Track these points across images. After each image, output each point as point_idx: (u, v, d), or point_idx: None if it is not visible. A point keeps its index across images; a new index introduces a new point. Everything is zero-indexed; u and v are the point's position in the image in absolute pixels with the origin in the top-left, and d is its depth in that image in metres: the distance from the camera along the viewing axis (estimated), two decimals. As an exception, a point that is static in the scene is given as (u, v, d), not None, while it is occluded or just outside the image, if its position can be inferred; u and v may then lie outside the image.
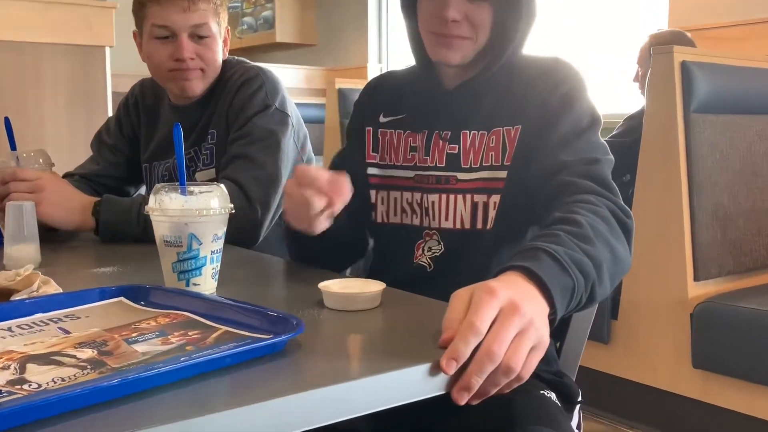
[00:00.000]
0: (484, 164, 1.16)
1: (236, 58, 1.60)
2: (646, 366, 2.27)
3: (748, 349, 2.00)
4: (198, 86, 1.51)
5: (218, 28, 1.51)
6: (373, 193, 1.26)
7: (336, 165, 1.31)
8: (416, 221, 1.22)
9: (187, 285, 0.92)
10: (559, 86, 1.14)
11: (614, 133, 2.75)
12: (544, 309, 0.78)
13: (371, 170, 1.26)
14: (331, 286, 0.87)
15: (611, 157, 1.13)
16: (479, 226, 1.16)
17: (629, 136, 2.56)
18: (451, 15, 1.11)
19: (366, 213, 1.26)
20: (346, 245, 1.26)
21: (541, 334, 0.72)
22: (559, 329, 1.24)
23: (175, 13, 1.44)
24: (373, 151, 1.27)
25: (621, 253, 0.98)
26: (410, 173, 1.23)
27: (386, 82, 1.33)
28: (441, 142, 1.19)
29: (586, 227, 0.93)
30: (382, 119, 1.28)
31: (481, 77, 1.18)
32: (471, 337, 0.67)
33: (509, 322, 0.69)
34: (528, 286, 0.78)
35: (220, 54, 1.53)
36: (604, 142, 1.14)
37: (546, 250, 0.83)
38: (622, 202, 1.06)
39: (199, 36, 1.47)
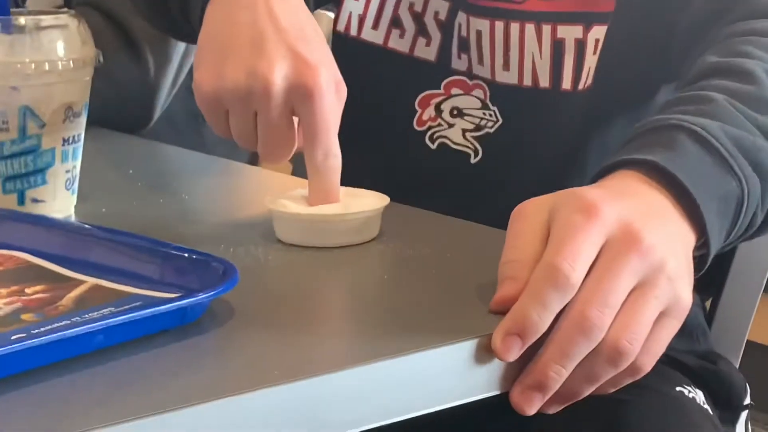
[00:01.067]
0: None
1: None
2: None
3: None
4: None
5: None
6: None
7: None
8: (429, 53, 1.23)
9: (22, 202, 0.93)
10: None
11: None
12: (686, 239, 0.78)
13: None
14: (289, 203, 0.88)
15: None
16: (566, 84, 1.16)
17: None
18: None
19: None
20: None
21: (677, 287, 0.73)
22: (712, 276, 1.25)
23: None
24: None
25: None
26: None
27: None
28: None
29: (763, 82, 0.92)
30: None
31: None
32: (551, 292, 0.68)
33: (621, 266, 0.69)
34: (657, 196, 0.78)
35: None
36: None
37: (690, 128, 0.83)
38: None
39: None
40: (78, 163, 0.96)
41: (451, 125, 1.21)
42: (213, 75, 0.88)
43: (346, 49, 1.24)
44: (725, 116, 0.85)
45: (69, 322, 0.65)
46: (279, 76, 0.85)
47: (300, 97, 0.86)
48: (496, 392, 0.68)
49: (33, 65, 0.90)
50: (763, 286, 1.25)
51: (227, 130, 0.92)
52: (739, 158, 0.82)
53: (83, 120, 0.96)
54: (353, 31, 1.24)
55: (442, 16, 1.21)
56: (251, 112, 0.88)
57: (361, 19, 1.24)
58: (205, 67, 0.90)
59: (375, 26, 1.24)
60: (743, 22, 1.01)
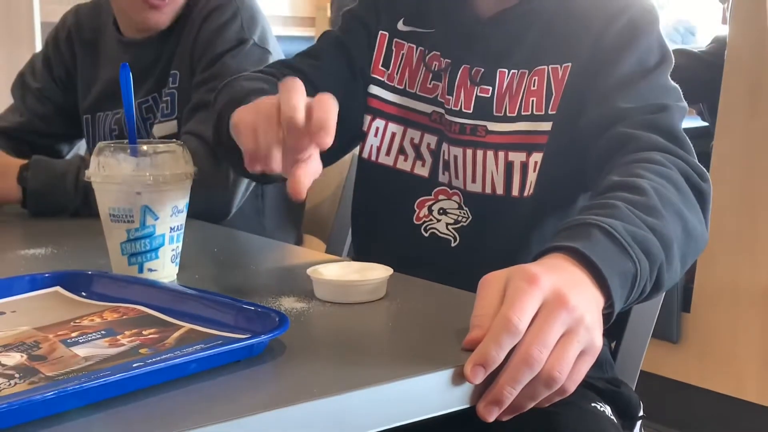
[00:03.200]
0: (523, 113, 1.16)
1: None
2: (727, 372, 2.28)
3: None
4: (167, 19, 1.52)
5: None
6: (367, 119, 1.26)
7: (324, 50, 1.28)
8: (422, 170, 1.23)
9: (141, 271, 0.93)
10: (620, 15, 1.13)
11: (703, 48, 2.71)
12: (597, 301, 0.78)
13: (374, 89, 1.26)
14: (324, 271, 0.88)
15: (684, 104, 1.12)
16: (515, 192, 1.16)
17: (718, 58, 2.49)
18: None
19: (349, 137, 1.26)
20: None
21: (592, 334, 0.73)
22: (615, 325, 1.24)
23: None
24: (382, 65, 1.26)
25: (695, 227, 0.97)
26: (427, 108, 1.23)
27: None
28: (469, 81, 1.19)
29: (651, 195, 0.92)
30: (401, 27, 1.26)
31: (525, 5, 1.17)
32: (505, 337, 0.68)
33: (553, 318, 0.70)
34: (578, 272, 0.78)
35: None
36: (676, 86, 1.14)
37: (600, 225, 0.83)
38: (696, 161, 1.05)
39: None
40: (180, 244, 0.96)
41: (438, 220, 1.21)
42: (251, 111, 0.86)
43: (368, 170, 1.27)
44: (625, 217, 0.85)
45: (172, 354, 0.65)
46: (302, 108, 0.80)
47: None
48: (467, 405, 0.68)
49: (151, 178, 0.91)
50: (650, 334, 1.25)
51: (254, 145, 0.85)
52: (634, 247, 0.82)
53: (184, 214, 0.96)
54: (373, 158, 1.25)
55: (432, 147, 1.22)
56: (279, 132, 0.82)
57: (378, 149, 1.25)
58: (244, 124, 0.85)
59: (387, 153, 1.24)
60: (636, 153, 1.01)
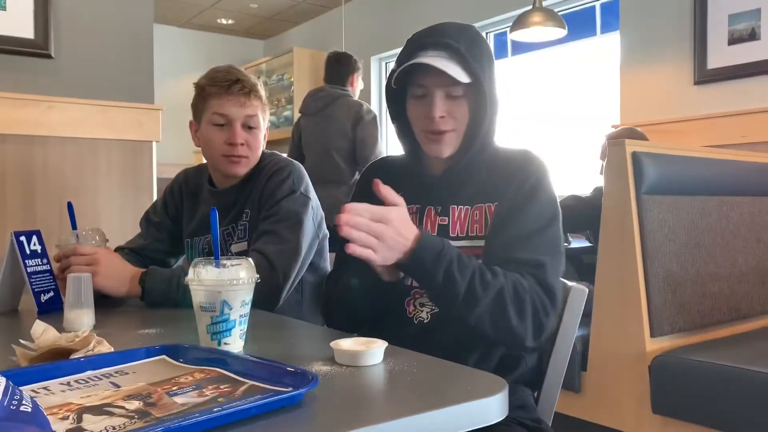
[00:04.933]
0: (469, 234, 1.17)
1: (270, 151, 1.64)
2: (612, 412, 2.23)
3: (699, 396, 1.97)
4: (243, 170, 1.54)
5: (263, 123, 1.55)
6: None
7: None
8: (406, 280, 1.22)
9: (219, 344, 0.92)
10: (528, 177, 1.16)
11: (588, 194, 2.73)
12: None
13: None
14: (341, 344, 0.87)
15: (562, 256, 1.14)
16: None
17: (598, 200, 2.49)
18: (438, 113, 1.15)
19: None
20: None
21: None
22: (536, 381, 1.22)
23: (233, 107, 1.48)
24: None
25: (512, 320, 1.03)
26: None
27: (384, 166, 1.35)
28: (433, 215, 1.21)
29: (496, 279, 1.03)
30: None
31: (462, 164, 1.20)
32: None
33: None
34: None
35: (262, 144, 1.56)
36: (560, 236, 1.15)
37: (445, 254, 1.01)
38: (552, 305, 1.08)
39: (249, 126, 1.51)
40: (246, 326, 0.96)
41: (421, 311, 1.20)
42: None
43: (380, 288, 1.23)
44: (463, 267, 1.02)
45: (240, 402, 0.64)
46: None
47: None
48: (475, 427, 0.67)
49: (229, 282, 0.92)
50: (560, 386, 1.23)
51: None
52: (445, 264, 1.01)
53: (249, 305, 0.96)
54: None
55: None
56: None
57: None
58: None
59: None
60: (518, 274, 1.09)
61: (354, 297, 1.17)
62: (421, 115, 1.19)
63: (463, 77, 1.13)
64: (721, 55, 3.11)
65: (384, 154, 3.14)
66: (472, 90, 1.17)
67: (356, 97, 3.39)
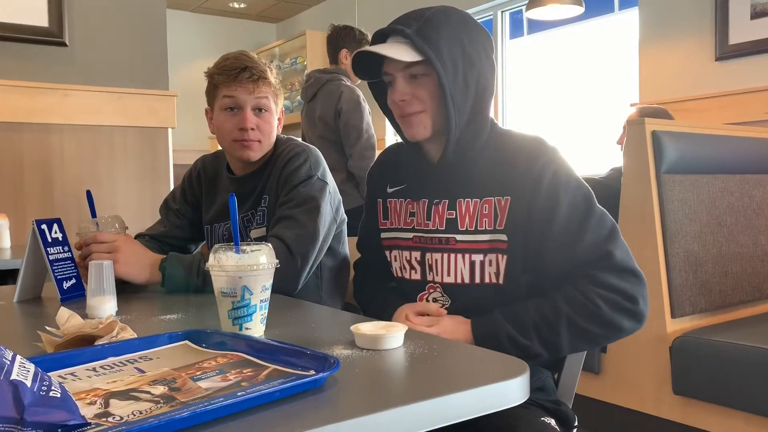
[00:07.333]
0: (478, 228, 1.15)
1: (286, 136, 1.63)
2: (632, 393, 2.23)
3: (720, 377, 1.96)
4: (256, 154, 1.54)
5: (275, 107, 1.55)
6: (387, 253, 1.28)
7: (362, 236, 1.35)
8: (416, 276, 1.22)
9: (240, 329, 0.93)
10: (544, 170, 1.11)
11: (603, 175, 2.69)
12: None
13: (383, 234, 1.29)
14: (362, 328, 0.87)
15: (615, 226, 1.11)
16: (477, 281, 1.16)
17: (616, 182, 2.46)
18: (398, 96, 1.14)
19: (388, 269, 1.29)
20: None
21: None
22: (556, 363, 1.22)
23: (242, 93, 1.49)
24: (383, 219, 1.30)
25: (595, 329, 1.05)
26: (409, 234, 1.24)
27: (390, 156, 1.35)
28: (441, 208, 1.20)
29: (557, 313, 1.06)
30: (388, 190, 1.30)
31: (460, 149, 1.17)
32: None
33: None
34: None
35: (275, 128, 1.56)
36: (602, 212, 1.12)
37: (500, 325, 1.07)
38: (633, 290, 1.06)
39: (259, 109, 1.51)
40: (266, 311, 0.96)
41: None
42: None
43: (399, 283, 1.29)
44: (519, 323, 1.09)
45: (263, 386, 0.65)
46: None
47: None
48: (464, 419, 0.67)
49: (249, 267, 0.92)
50: (581, 368, 1.23)
51: None
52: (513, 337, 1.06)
53: (269, 290, 0.96)
54: (398, 275, 1.28)
55: (420, 258, 1.23)
56: None
57: (401, 268, 1.26)
58: None
59: (404, 269, 1.26)
60: (589, 284, 1.09)
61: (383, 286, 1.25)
62: (391, 102, 1.18)
63: (406, 56, 1.10)
64: (743, 29, 3.05)
65: (375, 139, 3.11)
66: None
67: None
